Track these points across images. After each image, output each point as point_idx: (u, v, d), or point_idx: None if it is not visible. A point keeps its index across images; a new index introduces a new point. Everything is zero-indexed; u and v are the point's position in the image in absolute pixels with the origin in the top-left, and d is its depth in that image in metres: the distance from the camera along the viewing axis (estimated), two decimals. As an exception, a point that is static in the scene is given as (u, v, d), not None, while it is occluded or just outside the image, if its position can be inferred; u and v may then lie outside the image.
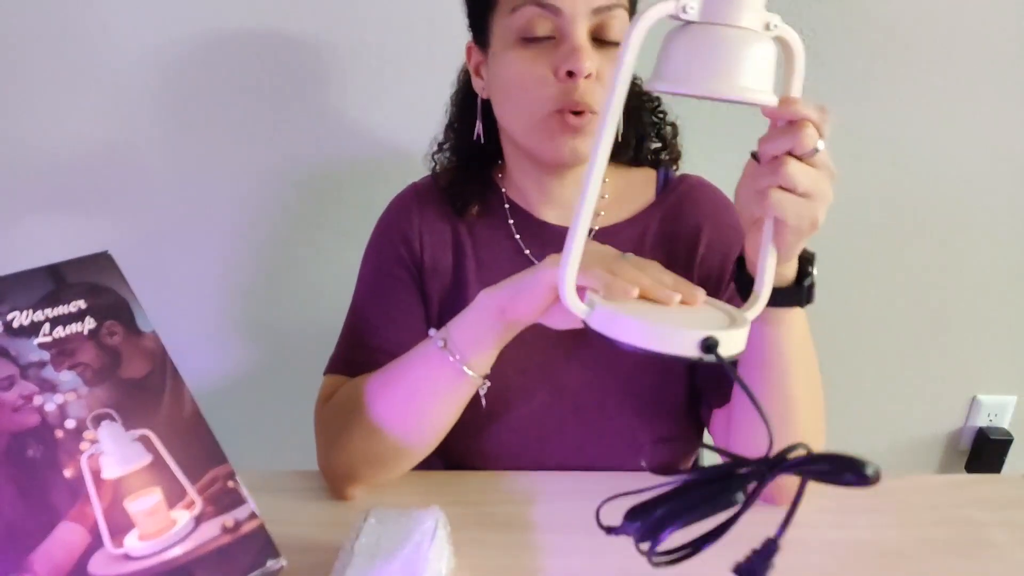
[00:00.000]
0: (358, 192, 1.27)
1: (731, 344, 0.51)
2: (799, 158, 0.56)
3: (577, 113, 0.74)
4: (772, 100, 0.51)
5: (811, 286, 0.65)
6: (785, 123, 0.56)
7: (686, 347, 0.50)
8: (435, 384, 0.71)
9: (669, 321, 0.52)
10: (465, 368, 0.69)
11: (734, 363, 0.63)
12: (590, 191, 0.53)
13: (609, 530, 0.53)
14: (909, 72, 1.24)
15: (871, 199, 1.33)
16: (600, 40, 0.74)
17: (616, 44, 0.74)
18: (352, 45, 1.19)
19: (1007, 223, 1.36)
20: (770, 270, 0.60)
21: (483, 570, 0.67)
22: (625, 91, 0.52)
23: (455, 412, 0.73)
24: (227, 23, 1.18)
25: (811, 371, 0.73)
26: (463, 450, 0.86)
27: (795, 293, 0.65)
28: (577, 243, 0.55)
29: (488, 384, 0.74)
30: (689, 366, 0.84)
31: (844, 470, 0.44)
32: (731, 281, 0.84)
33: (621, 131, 0.84)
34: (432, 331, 0.73)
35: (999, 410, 1.52)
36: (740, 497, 0.48)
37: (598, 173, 0.53)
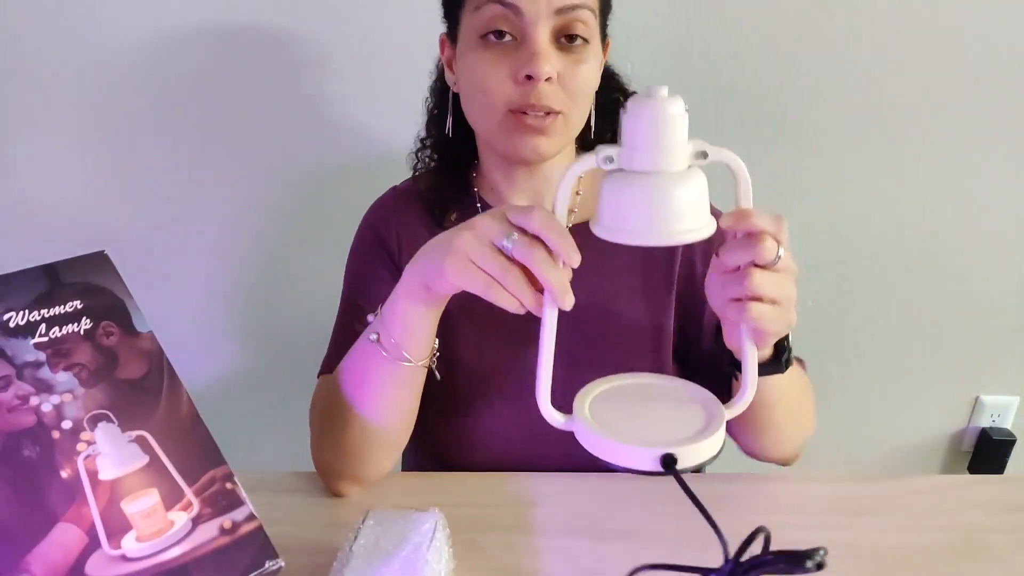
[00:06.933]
0: (353, 192, 1.25)
1: (694, 455, 0.52)
2: (762, 266, 0.57)
3: (538, 113, 0.73)
4: (710, 231, 0.52)
5: (788, 357, 0.68)
6: (744, 234, 0.57)
7: (646, 463, 0.52)
8: (379, 376, 0.70)
9: (637, 432, 0.54)
10: (405, 356, 0.68)
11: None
12: (548, 326, 0.56)
13: None
14: (911, 79, 1.24)
15: (874, 201, 1.33)
16: (564, 40, 0.73)
17: (583, 40, 0.73)
18: (348, 44, 1.19)
19: (1009, 223, 1.35)
20: (752, 369, 0.61)
21: (482, 572, 0.66)
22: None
23: (411, 395, 0.73)
24: (222, 24, 1.17)
25: (797, 399, 0.76)
26: (449, 444, 0.85)
27: (774, 364, 0.67)
28: (546, 360, 0.57)
29: (437, 355, 0.73)
30: (679, 361, 0.85)
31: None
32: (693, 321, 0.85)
33: (595, 127, 0.84)
34: (370, 317, 0.70)
35: (1002, 411, 1.51)
36: None
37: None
